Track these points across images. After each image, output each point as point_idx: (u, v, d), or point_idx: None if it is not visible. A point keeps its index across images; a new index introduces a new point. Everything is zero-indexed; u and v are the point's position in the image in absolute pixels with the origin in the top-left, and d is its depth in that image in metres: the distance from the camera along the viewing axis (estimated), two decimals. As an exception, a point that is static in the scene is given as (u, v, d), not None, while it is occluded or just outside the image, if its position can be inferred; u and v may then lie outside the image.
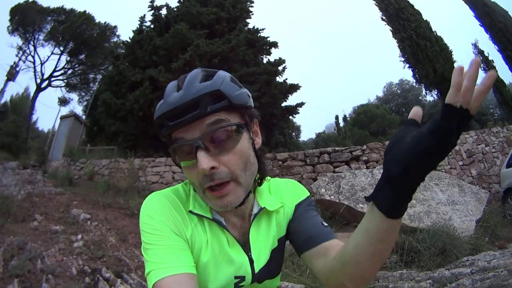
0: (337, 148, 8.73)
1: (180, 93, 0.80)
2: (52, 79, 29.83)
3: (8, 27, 27.41)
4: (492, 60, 21.68)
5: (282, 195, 1.08)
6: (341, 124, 25.73)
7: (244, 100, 0.87)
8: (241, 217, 1.00)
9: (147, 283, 0.83)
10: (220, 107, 0.81)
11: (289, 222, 1.06)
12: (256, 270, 0.99)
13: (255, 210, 1.00)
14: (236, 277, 0.96)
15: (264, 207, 1.00)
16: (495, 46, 20.97)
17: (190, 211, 0.93)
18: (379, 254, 0.75)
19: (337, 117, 25.90)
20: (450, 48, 17.33)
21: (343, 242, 0.90)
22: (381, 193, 0.66)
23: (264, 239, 1.02)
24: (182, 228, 0.90)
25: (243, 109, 0.88)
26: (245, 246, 0.98)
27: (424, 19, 17.88)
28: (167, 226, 0.87)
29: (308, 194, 1.12)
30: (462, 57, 19.88)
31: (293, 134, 32.22)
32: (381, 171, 4.18)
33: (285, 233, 1.07)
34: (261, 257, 1.00)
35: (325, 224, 1.01)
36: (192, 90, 0.80)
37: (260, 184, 0.99)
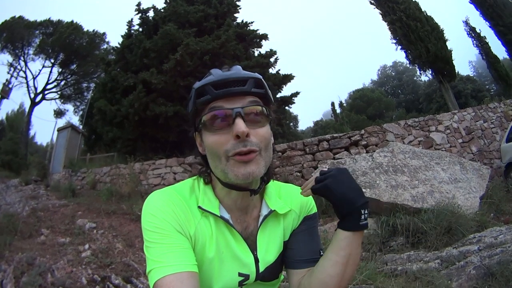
0: (335, 135, 8.72)
1: (232, 71, 0.93)
2: (46, 92, 29.79)
3: (-4, 45, 27.28)
4: (484, 36, 21.69)
5: (292, 201, 1.10)
6: (338, 110, 25.78)
7: (271, 97, 0.99)
8: (245, 212, 1.01)
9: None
10: (260, 92, 0.93)
11: (293, 231, 1.09)
12: (261, 270, 1.00)
13: (264, 212, 1.02)
14: (240, 275, 0.97)
15: (274, 210, 1.02)
16: (487, 22, 20.91)
17: (199, 207, 0.94)
18: (341, 262, 0.92)
19: (333, 104, 25.99)
20: (441, 27, 17.26)
21: None
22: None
23: (271, 241, 1.04)
24: (185, 225, 0.91)
25: (270, 105, 1.00)
26: (251, 245, 0.99)
27: (413, 0, 17.78)
28: (169, 224, 0.88)
29: (316, 210, 1.16)
30: (454, 36, 19.78)
31: (291, 124, 32.22)
32: (381, 154, 4.26)
33: (288, 239, 1.09)
34: (267, 258, 1.01)
35: (322, 252, 1.06)
36: (241, 71, 0.93)
37: (267, 182, 1.02)
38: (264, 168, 0.90)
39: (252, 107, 0.90)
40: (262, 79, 0.94)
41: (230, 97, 0.89)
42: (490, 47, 21.07)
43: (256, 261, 0.99)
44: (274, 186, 1.09)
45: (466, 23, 22.93)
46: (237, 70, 0.93)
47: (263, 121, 0.92)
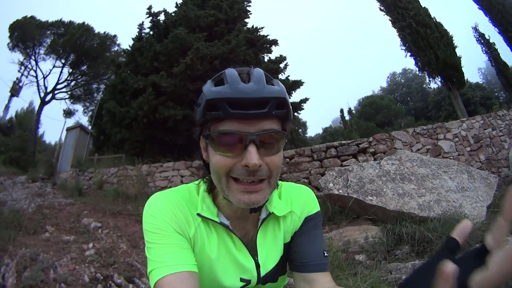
0: (343, 142, 8.67)
1: (252, 86, 0.80)
2: (56, 91, 30.11)
3: (8, 43, 27.66)
4: (494, 42, 21.55)
5: (292, 201, 1.08)
6: (347, 117, 25.71)
7: (292, 115, 0.89)
8: (245, 220, 1.00)
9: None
10: (280, 114, 0.84)
11: (294, 232, 1.07)
12: (262, 274, 1.00)
13: (263, 215, 1.00)
14: (242, 280, 0.97)
15: (273, 212, 1.00)
16: (495, 28, 20.81)
17: (198, 214, 0.93)
18: None
19: (342, 111, 25.93)
20: (450, 34, 17.20)
21: (332, 282, 0.98)
22: None
23: (272, 245, 1.03)
24: (184, 227, 0.91)
25: (289, 122, 0.91)
26: (251, 250, 0.99)
27: (423, 6, 17.75)
28: (169, 225, 0.88)
29: (319, 208, 1.13)
30: (463, 42, 19.67)
31: (300, 130, 32.24)
32: (389, 162, 4.20)
33: (289, 241, 1.07)
34: (268, 262, 1.01)
35: (326, 254, 1.03)
36: (264, 88, 0.81)
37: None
38: (270, 194, 0.88)
39: (269, 134, 0.82)
40: (286, 97, 0.84)
41: (246, 119, 0.80)
42: (499, 53, 20.97)
43: (257, 266, 0.99)
44: None
45: (475, 29, 22.86)
46: (259, 85, 0.80)
47: (278, 146, 0.85)
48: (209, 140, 0.85)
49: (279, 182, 1.07)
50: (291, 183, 1.15)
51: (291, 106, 0.87)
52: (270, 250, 1.02)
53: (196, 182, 1.04)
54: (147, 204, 0.94)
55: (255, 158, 0.78)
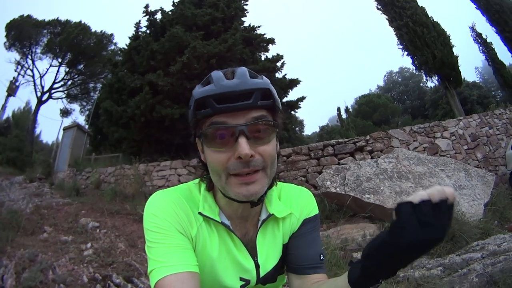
0: (340, 140, 8.69)
1: (235, 81, 0.82)
2: (53, 91, 29.85)
3: (4, 43, 27.41)
4: (491, 42, 21.54)
5: (292, 203, 1.08)
6: (344, 115, 25.73)
7: (280, 105, 0.91)
8: (245, 220, 1.00)
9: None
10: (267, 104, 0.86)
11: (292, 234, 1.08)
12: (262, 275, 1.00)
13: (263, 216, 1.01)
14: (241, 279, 0.97)
15: (273, 214, 1.00)
16: (493, 28, 20.77)
17: (200, 213, 0.93)
18: None
19: (339, 109, 25.94)
20: (447, 33, 17.16)
21: (326, 280, 1.00)
22: (354, 266, 0.79)
23: (271, 246, 1.03)
24: (186, 226, 0.91)
25: (278, 113, 0.92)
26: (251, 250, 0.99)
27: (420, 6, 17.72)
28: (171, 224, 0.88)
29: (318, 211, 1.13)
30: (460, 41, 19.69)
31: (297, 129, 32.21)
32: (386, 160, 4.22)
33: (287, 242, 1.08)
34: (267, 263, 1.01)
35: (322, 257, 1.04)
36: (247, 81, 0.83)
37: (270, 187, 0.98)
38: (268, 184, 0.88)
39: (257, 124, 0.83)
40: (270, 88, 0.86)
41: (233, 111, 0.82)
42: (496, 53, 20.92)
43: (257, 266, 0.99)
44: (275, 188, 1.06)
45: (473, 29, 22.79)
46: (242, 79, 0.83)
47: (269, 136, 0.86)
48: (202, 138, 0.86)
49: (279, 183, 1.09)
50: (291, 184, 1.16)
51: (278, 98, 0.89)
52: (270, 251, 1.02)
53: (196, 181, 1.03)
54: (148, 202, 0.94)
55: (246, 148, 0.79)
